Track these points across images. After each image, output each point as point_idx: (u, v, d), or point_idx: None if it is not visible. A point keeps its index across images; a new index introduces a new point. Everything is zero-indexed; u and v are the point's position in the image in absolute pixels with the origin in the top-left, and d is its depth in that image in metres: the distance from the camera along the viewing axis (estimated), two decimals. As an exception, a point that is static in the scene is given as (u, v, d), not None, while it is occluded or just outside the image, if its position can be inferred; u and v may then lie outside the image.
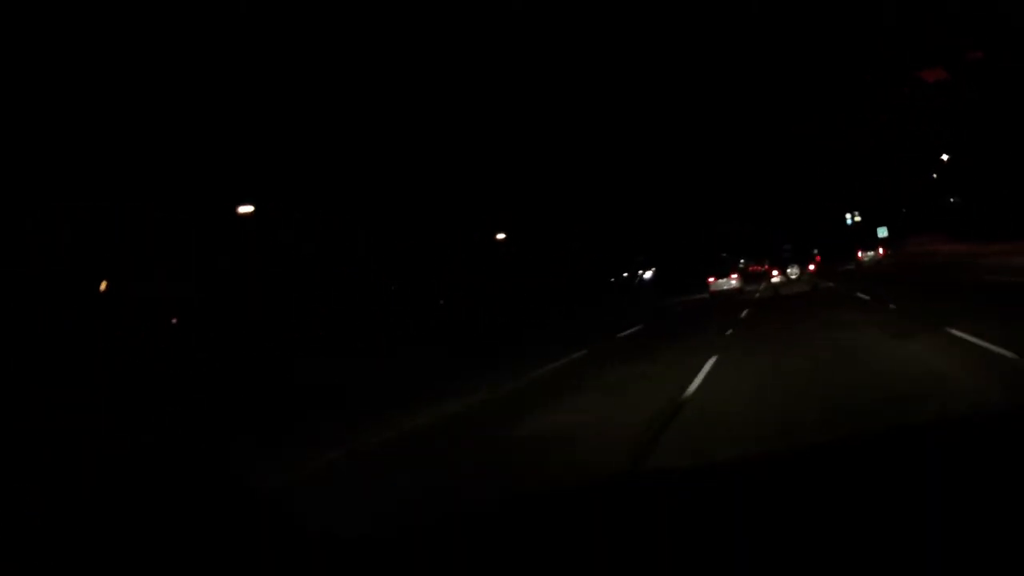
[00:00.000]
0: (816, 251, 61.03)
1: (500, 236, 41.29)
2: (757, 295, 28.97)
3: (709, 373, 9.42)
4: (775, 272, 49.97)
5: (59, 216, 19.46)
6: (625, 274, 77.27)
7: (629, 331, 20.39)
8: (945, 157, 44.64)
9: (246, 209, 23.72)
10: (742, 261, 67.65)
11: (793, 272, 48.49)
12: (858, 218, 67.80)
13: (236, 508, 1.75)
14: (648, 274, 79.62)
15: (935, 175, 50.91)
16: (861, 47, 36.01)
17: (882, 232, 54.47)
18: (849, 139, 50.17)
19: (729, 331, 15.42)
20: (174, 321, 23.68)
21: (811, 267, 48.79)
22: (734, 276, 41.61)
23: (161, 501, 1.60)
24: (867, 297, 18.88)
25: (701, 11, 41.80)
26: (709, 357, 10.66)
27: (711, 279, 40.83)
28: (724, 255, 71.53)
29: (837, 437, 3.33)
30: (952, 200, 50.10)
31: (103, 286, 20.99)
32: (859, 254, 46.44)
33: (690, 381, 8.82)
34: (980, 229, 34.00)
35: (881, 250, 46.68)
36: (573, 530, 1.67)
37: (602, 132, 59.13)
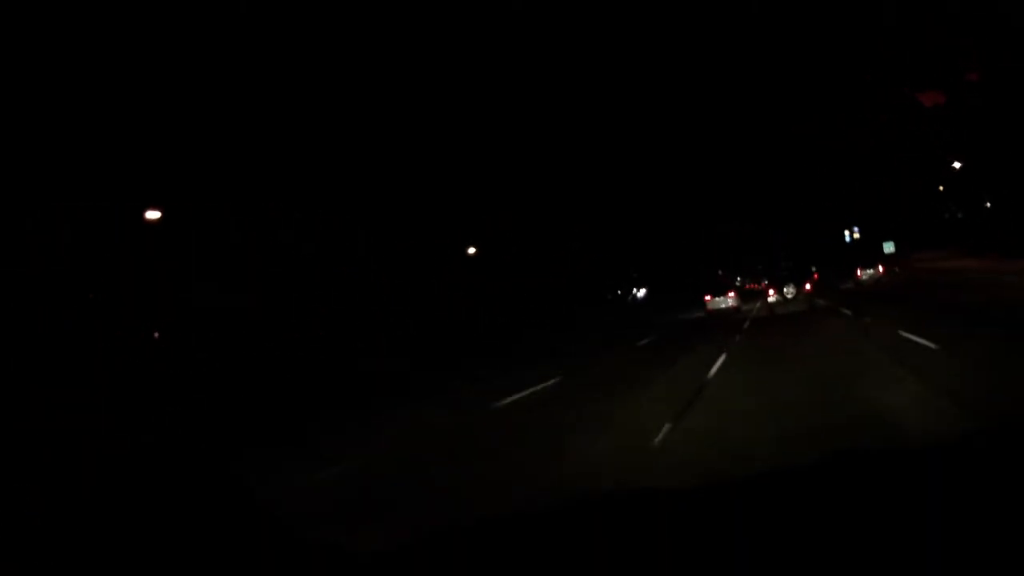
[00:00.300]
0: (814, 269, 60.71)
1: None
2: (747, 324, 26.16)
3: None
4: (771, 291, 50.14)
5: (59, 216, 19.44)
6: (619, 291, 76.82)
7: (541, 385, 13.98)
8: (957, 165, 43.42)
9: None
10: (739, 279, 68.41)
11: (789, 292, 48.49)
12: (857, 235, 67.00)
13: (234, 510, 1.75)
14: (642, 292, 79.54)
15: (941, 187, 50.13)
16: (861, 47, 35.99)
17: (888, 247, 52.39)
18: (849, 139, 50.09)
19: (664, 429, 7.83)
20: (156, 335, 23.12)
21: (807, 286, 48.32)
22: (731, 294, 41.48)
23: (158, 502, 1.60)
24: (932, 345, 11.01)
25: (701, 11, 41.80)
26: None
27: (708, 297, 40.65)
28: (720, 272, 72.14)
29: None
30: (960, 216, 49.12)
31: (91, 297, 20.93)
32: (858, 272, 45.11)
33: None
34: (997, 243, 32.44)
35: (881, 268, 45.23)
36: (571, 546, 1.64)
37: (602, 132, 59.22)
